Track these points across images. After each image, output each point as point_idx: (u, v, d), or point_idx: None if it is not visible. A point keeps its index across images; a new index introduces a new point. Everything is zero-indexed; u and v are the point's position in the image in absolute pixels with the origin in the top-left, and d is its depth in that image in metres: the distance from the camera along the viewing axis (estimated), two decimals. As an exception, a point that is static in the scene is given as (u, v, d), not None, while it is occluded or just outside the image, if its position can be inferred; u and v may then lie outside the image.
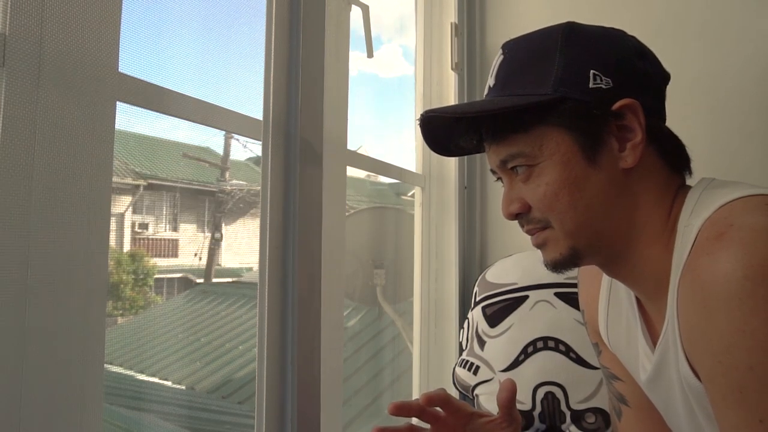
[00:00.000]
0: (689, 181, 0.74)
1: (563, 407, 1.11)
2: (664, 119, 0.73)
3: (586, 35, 0.71)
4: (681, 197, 0.69)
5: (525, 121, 0.69)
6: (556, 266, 0.72)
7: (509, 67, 0.72)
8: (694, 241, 0.62)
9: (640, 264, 0.70)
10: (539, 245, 0.73)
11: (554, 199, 0.68)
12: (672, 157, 0.72)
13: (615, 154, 0.68)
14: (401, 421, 0.82)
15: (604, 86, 0.67)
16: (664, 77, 0.74)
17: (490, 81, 0.74)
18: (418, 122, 0.77)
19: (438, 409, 0.81)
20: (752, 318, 0.53)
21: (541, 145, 0.68)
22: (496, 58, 0.74)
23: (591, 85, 0.67)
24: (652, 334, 0.74)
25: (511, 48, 0.73)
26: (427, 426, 0.82)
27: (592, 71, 0.68)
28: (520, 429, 0.78)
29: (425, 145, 0.80)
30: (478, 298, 1.31)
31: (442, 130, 0.77)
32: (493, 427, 0.80)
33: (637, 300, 0.77)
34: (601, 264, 0.75)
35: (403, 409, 0.78)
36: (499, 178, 0.76)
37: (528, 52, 0.71)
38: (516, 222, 0.74)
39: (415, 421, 0.84)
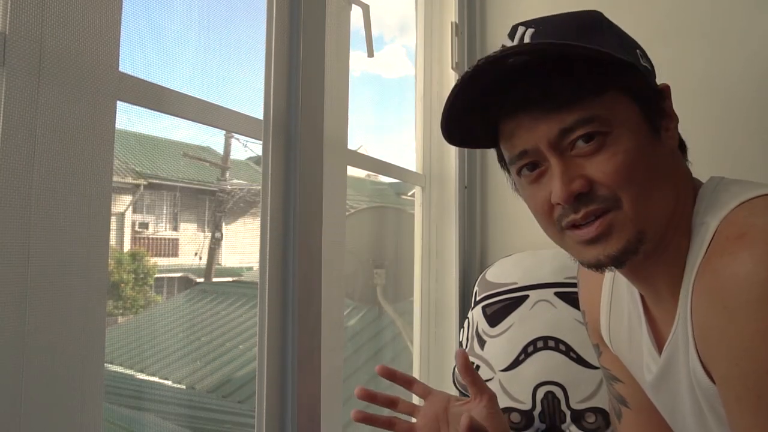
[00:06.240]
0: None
1: (563, 407, 1.11)
2: None
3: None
4: (693, 192, 0.67)
5: (600, 82, 0.62)
6: (620, 256, 0.62)
7: (561, 31, 0.63)
8: (711, 239, 0.60)
9: (658, 261, 0.66)
10: (602, 234, 0.62)
11: (632, 170, 0.61)
12: (682, 146, 0.71)
13: (664, 133, 0.66)
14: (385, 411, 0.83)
15: (649, 66, 0.66)
16: None
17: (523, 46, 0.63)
18: (467, 73, 0.63)
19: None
20: None
21: (613, 110, 0.62)
22: (520, 33, 0.65)
23: (642, 62, 0.65)
24: (657, 335, 0.73)
25: (545, 22, 0.65)
26: (411, 419, 0.82)
27: (638, 50, 0.66)
28: (495, 399, 0.76)
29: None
30: (478, 298, 1.31)
31: (490, 87, 0.65)
32: (471, 407, 0.78)
33: (642, 300, 0.75)
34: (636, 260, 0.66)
35: (391, 375, 0.80)
36: (524, 166, 0.65)
37: (575, 25, 0.64)
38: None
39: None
